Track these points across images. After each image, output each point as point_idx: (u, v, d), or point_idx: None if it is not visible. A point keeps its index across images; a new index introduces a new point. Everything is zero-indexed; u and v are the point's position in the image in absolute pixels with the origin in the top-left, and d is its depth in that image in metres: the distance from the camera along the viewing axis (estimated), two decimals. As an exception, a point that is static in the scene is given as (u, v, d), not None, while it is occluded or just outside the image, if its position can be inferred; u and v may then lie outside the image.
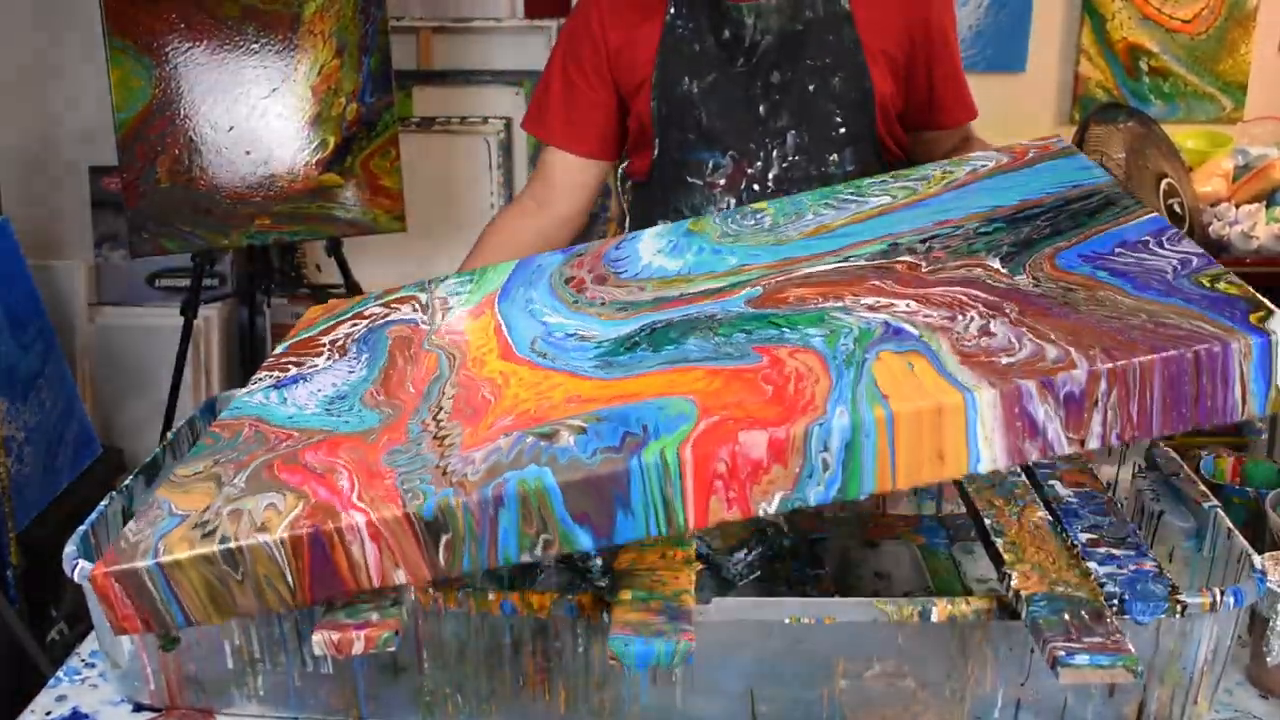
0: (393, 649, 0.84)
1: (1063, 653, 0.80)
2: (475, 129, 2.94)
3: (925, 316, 0.90)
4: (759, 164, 1.52)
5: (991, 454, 0.81)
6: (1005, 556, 0.92)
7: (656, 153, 1.57)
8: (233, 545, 0.84)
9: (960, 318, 0.89)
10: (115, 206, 2.77)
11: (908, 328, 0.89)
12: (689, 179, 1.55)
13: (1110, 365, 0.79)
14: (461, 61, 2.93)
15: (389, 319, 1.15)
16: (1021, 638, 0.88)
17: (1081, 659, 0.80)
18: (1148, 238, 0.93)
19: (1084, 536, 0.95)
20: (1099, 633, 0.82)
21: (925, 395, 0.80)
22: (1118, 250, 0.93)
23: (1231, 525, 0.99)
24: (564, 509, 0.82)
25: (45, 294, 2.66)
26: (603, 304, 1.05)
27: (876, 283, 0.97)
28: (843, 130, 1.51)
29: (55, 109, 2.91)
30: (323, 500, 0.86)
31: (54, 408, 2.58)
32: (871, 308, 0.93)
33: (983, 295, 0.91)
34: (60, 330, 2.74)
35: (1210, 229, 2.51)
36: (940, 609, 0.88)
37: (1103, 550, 0.93)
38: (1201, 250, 0.90)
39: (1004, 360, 0.82)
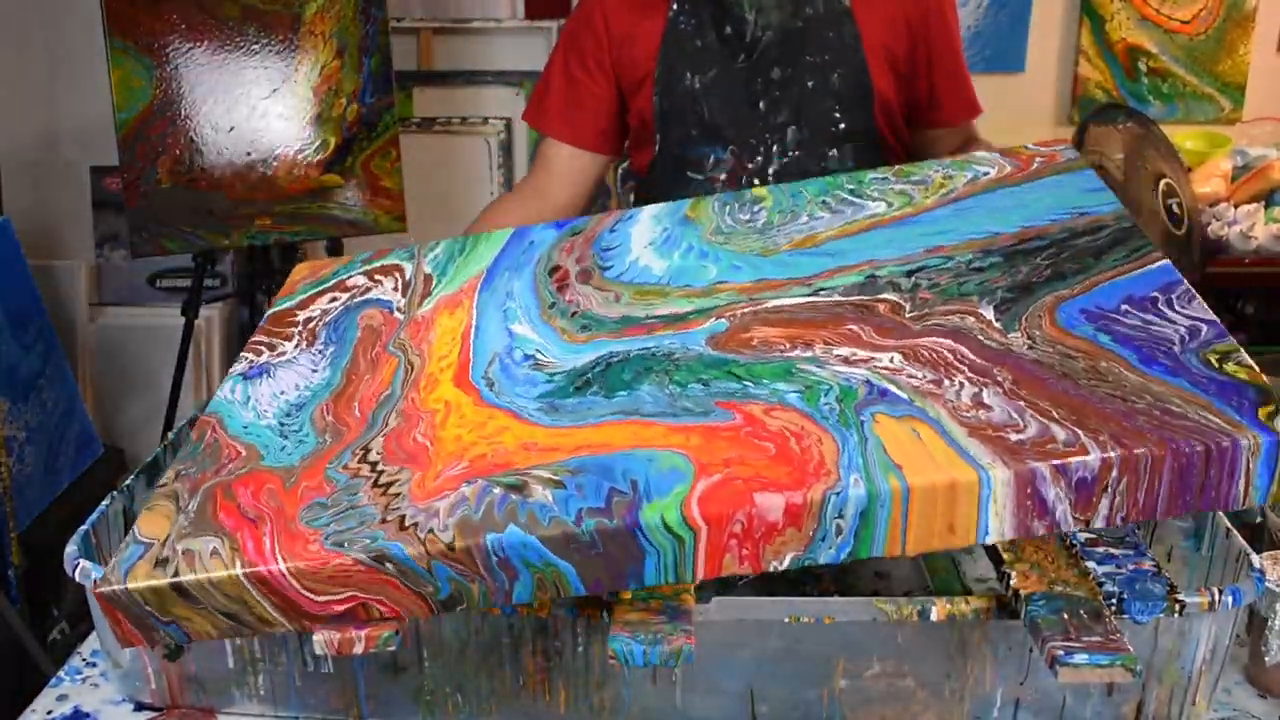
0: (393, 649, 0.84)
1: (1061, 652, 0.80)
2: (476, 129, 2.94)
3: (910, 377, 0.87)
4: (759, 159, 1.53)
5: (1000, 529, 0.80)
6: (1004, 556, 0.92)
7: (657, 149, 1.57)
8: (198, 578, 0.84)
9: (948, 383, 0.86)
10: (116, 206, 2.77)
11: (894, 390, 0.86)
12: (689, 174, 1.56)
13: (1123, 454, 0.78)
14: (462, 62, 2.93)
15: (367, 297, 1.14)
16: (1020, 637, 0.88)
17: (1080, 658, 0.80)
18: (1156, 294, 0.90)
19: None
20: (1097, 632, 0.82)
21: (938, 469, 0.79)
22: (1124, 308, 0.90)
23: (1230, 525, 0.99)
24: (579, 584, 0.82)
25: (46, 294, 2.66)
26: (572, 315, 1.03)
27: (854, 327, 0.93)
28: (842, 126, 1.52)
29: (56, 109, 2.91)
30: (250, 558, 0.84)
31: (55, 408, 2.58)
32: (847, 360, 0.90)
33: (971, 356, 0.88)
34: (61, 330, 2.74)
35: (1209, 229, 2.51)
36: (939, 608, 0.88)
37: (1101, 549, 0.93)
38: (1211, 316, 0.88)
39: (1013, 437, 0.81)
